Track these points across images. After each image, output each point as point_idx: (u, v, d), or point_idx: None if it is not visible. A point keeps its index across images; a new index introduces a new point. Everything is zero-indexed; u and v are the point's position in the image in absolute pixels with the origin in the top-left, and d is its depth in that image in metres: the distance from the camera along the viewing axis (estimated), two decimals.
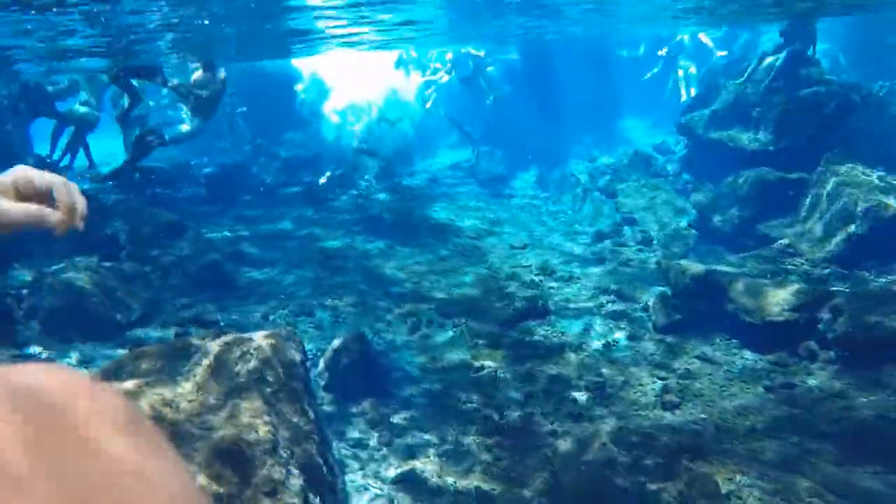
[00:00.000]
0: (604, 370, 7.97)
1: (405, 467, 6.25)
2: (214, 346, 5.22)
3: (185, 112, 10.54)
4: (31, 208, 1.10)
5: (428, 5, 11.44)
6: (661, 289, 10.07)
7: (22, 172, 1.13)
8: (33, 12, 8.53)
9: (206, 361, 4.97)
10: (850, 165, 10.97)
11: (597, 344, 8.80)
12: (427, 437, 6.78)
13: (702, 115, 14.75)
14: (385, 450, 6.56)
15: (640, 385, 7.62)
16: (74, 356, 8.05)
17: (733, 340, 8.62)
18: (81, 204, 1.16)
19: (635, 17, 15.82)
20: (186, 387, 4.68)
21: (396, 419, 7.09)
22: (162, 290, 9.90)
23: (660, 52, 21.22)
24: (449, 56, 19.66)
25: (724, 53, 19.61)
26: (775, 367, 7.83)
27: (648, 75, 21.46)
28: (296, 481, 4.30)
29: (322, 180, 15.95)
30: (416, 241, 13.16)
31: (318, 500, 4.65)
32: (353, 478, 6.10)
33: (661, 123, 20.85)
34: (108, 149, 15.36)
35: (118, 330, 8.76)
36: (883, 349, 7.34)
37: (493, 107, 20.17)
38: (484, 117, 20.34)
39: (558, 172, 17.77)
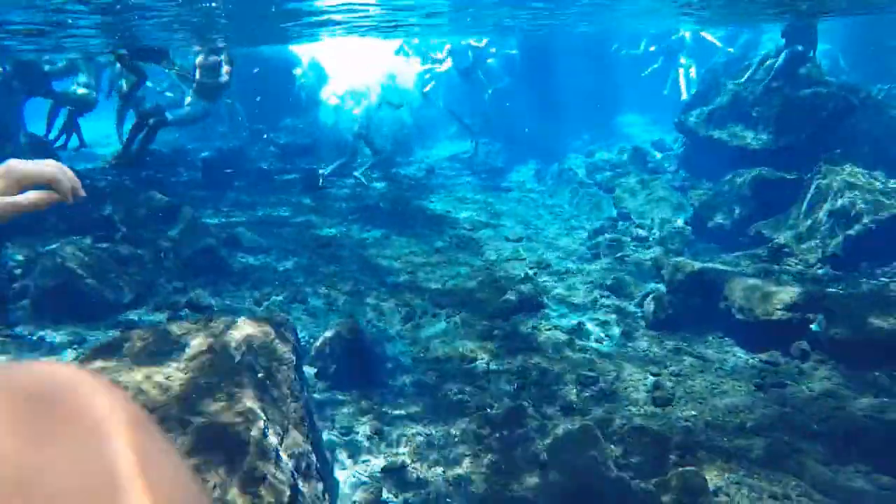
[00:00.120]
0: (596, 365, 7.98)
1: (395, 457, 6.26)
2: (206, 330, 5.20)
3: (189, 95, 10.46)
4: (37, 196, 1.21)
5: None
6: (655, 285, 10.09)
7: (15, 166, 1.20)
8: None
9: (196, 346, 4.94)
10: (847, 167, 10.97)
11: (590, 338, 8.81)
12: (418, 427, 6.78)
13: (701, 112, 14.74)
14: (375, 439, 6.56)
15: (632, 380, 7.64)
16: (65, 337, 8.01)
17: (726, 338, 8.63)
18: (78, 185, 1.29)
19: (640, 11, 15.75)
20: (176, 371, 4.66)
21: (387, 408, 7.09)
22: (156, 274, 9.85)
23: (651, 49, 21.18)
24: (448, 47, 19.57)
25: (731, 50, 19.55)
26: (767, 366, 7.85)
27: (648, 71, 21.41)
28: (285, 468, 4.29)
29: (322, 171, 15.87)
30: (412, 232, 13.14)
31: (307, 487, 4.65)
32: (343, 466, 6.10)
33: (660, 120, 20.85)
34: (105, 130, 15.26)
35: (110, 312, 8.72)
36: (874, 350, 7.36)
37: (492, 99, 20.11)
38: (483, 110, 20.29)
39: (556, 167, 17.75)
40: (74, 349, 7.75)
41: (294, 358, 5.59)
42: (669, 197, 14.00)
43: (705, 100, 15.33)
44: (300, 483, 4.45)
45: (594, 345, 8.62)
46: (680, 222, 13.04)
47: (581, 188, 15.86)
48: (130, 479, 0.46)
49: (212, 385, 4.58)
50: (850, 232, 10.09)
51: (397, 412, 7.06)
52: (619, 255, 11.82)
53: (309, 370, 7.56)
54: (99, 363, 4.73)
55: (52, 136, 13.39)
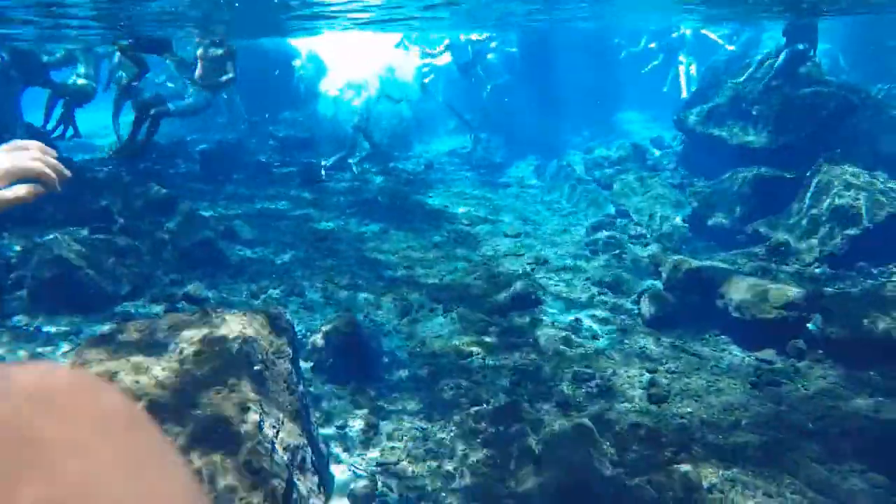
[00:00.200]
0: (592, 361, 7.99)
1: (390, 451, 6.26)
2: (202, 323, 5.19)
3: (190, 86, 10.42)
4: (22, 190, 1.22)
5: None
6: (652, 282, 10.09)
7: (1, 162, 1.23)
8: None
9: (193, 338, 4.94)
10: (846, 166, 10.98)
11: (587, 335, 8.81)
12: (413, 421, 6.79)
13: (700, 110, 14.73)
14: (371, 432, 6.56)
15: (628, 377, 7.64)
16: (62, 328, 8.00)
17: (723, 336, 8.64)
18: (61, 168, 1.29)
19: (642, 6, 15.73)
20: (172, 363, 4.65)
21: (383, 403, 7.10)
22: (153, 266, 9.83)
23: (651, 46, 21.14)
24: (447, 41, 19.52)
25: (731, 48, 19.51)
26: (763, 365, 7.86)
27: (648, 67, 21.38)
28: (280, 461, 4.29)
29: (325, 163, 15.84)
30: (409, 226, 13.13)
31: (302, 480, 4.65)
32: (339, 459, 6.10)
33: (660, 117, 20.82)
34: (104, 121, 15.20)
35: (107, 303, 8.71)
36: (870, 350, 7.38)
37: (492, 95, 20.08)
38: (482, 105, 20.26)
39: (555, 163, 17.74)
40: (71, 340, 7.74)
41: (290, 351, 5.59)
42: (668, 194, 14.00)
43: (705, 97, 15.31)
44: (296, 476, 4.45)
45: (591, 341, 8.63)
46: (678, 220, 13.03)
47: (580, 185, 15.85)
48: (128, 480, 0.46)
49: (208, 378, 4.58)
50: (849, 231, 10.11)
51: (393, 406, 7.07)
52: (616, 252, 11.82)
53: (305, 364, 7.56)
54: (95, 354, 4.72)
55: (49, 127, 13.35)
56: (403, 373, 7.80)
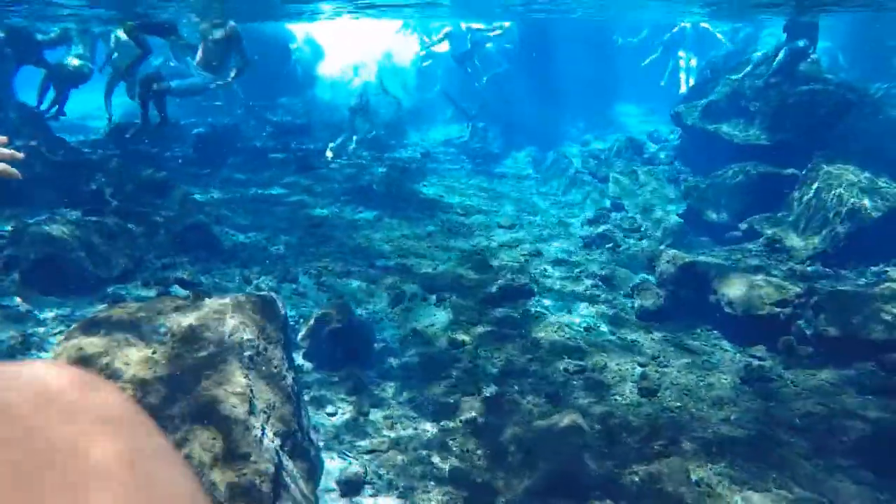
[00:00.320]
0: (584, 353, 8.00)
1: (380, 438, 6.27)
2: (194, 307, 5.17)
3: (194, 67, 10.35)
4: None
5: None
6: (646, 276, 10.10)
7: None
8: None
9: (184, 322, 4.92)
10: (841, 165, 11.00)
11: (579, 327, 8.83)
12: (403, 408, 6.80)
13: (698, 105, 14.71)
14: (361, 420, 6.57)
15: (619, 370, 7.67)
16: (53, 309, 7.97)
17: (715, 331, 8.67)
18: (12, 155, 1.33)
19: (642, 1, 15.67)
20: (162, 346, 4.63)
21: (374, 390, 7.10)
22: (145, 249, 9.78)
23: (648, 37, 21.10)
24: (447, 29, 19.39)
25: (729, 44, 19.48)
26: (754, 361, 7.89)
27: (647, 61, 21.32)
28: (270, 445, 4.29)
29: (329, 154, 15.76)
30: (404, 215, 13.11)
31: (291, 464, 4.65)
32: (329, 446, 6.10)
33: (657, 111, 20.80)
34: (99, 102, 15.08)
35: (99, 286, 8.67)
36: (860, 347, 7.42)
37: (490, 85, 19.99)
38: (480, 95, 20.18)
39: (551, 154, 17.71)
40: (61, 321, 7.70)
41: (282, 337, 5.58)
42: (663, 188, 14.00)
43: (703, 93, 15.30)
44: (284, 461, 4.46)
45: (583, 333, 8.64)
46: (673, 214, 13.04)
47: (576, 177, 15.84)
48: (126, 476, 0.47)
49: (198, 362, 4.57)
50: (842, 229, 10.14)
51: (384, 394, 7.08)
52: (611, 245, 11.83)
53: (297, 350, 7.55)
54: (85, 336, 4.70)
55: (43, 107, 13.22)
56: (395, 361, 7.80)
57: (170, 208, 10.72)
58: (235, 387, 4.38)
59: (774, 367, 7.70)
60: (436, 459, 5.99)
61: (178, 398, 4.23)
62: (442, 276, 10.12)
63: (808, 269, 10.05)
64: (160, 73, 10.42)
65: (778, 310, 8.10)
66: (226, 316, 5.11)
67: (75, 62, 12.94)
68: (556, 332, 8.53)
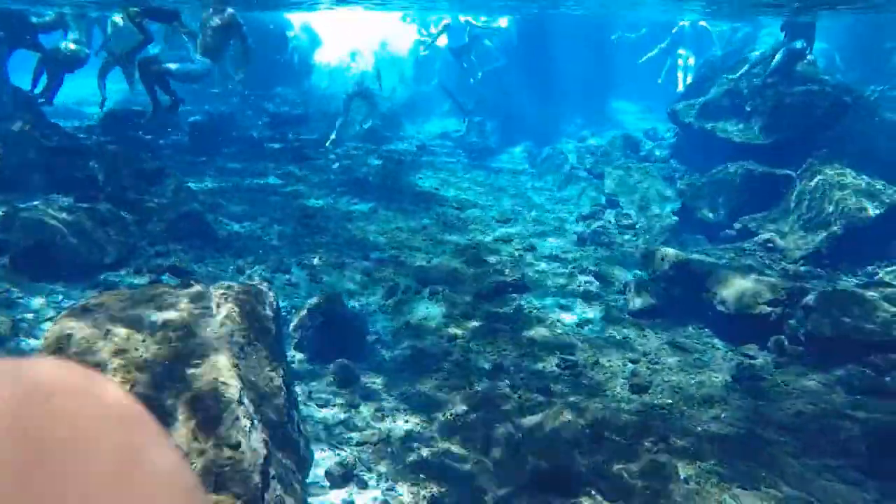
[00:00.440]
0: (576, 349, 8.01)
1: (370, 430, 6.27)
2: (185, 295, 5.14)
3: (195, 52, 10.30)
4: None
5: None
6: (639, 273, 10.11)
7: None
8: None
9: (176, 311, 4.89)
10: (835, 166, 11.02)
11: (571, 323, 8.83)
12: (395, 401, 6.80)
13: (694, 104, 14.72)
14: (352, 412, 6.56)
15: (611, 366, 7.68)
16: (44, 296, 7.92)
17: (706, 329, 8.69)
18: None
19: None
20: (153, 335, 4.61)
21: (366, 382, 7.10)
22: (138, 236, 9.73)
23: (657, 43, 21.07)
24: (445, 21, 19.32)
25: (728, 44, 19.50)
26: (744, 359, 7.92)
27: (645, 58, 21.30)
28: (259, 436, 4.27)
29: (332, 136, 15.72)
30: (399, 207, 13.08)
31: (281, 456, 4.64)
32: (319, 438, 6.10)
33: (654, 109, 20.80)
34: (94, 88, 14.97)
35: (90, 273, 8.61)
36: (851, 348, 7.45)
37: (488, 80, 19.95)
38: (476, 89, 20.13)
39: (547, 150, 17.69)
40: (52, 308, 7.66)
41: (274, 328, 5.56)
42: (659, 186, 14.00)
43: (700, 91, 15.31)
44: (274, 451, 4.44)
45: (575, 329, 8.65)
46: (667, 212, 13.05)
47: (571, 172, 15.84)
48: (126, 473, 0.47)
49: (189, 351, 4.54)
50: (836, 230, 10.17)
51: (375, 386, 7.07)
52: (605, 241, 11.84)
53: (289, 341, 7.54)
54: (75, 324, 4.66)
55: (37, 92, 13.12)
56: (387, 353, 7.79)
57: (164, 196, 10.65)
58: (225, 377, 4.36)
59: (765, 367, 7.73)
60: (426, 453, 5.99)
61: (167, 387, 4.21)
62: (436, 269, 10.10)
63: (801, 269, 10.08)
64: (157, 57, 10.36)
65: (770, 309, 8.12)
66: (217, 306, 5.08)
67: (71, 46, 12.84)
68: (548, 327, 8.53)
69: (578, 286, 9.98)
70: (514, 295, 9.42)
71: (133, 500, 0.46)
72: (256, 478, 3.90)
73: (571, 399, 6.81)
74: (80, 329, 4.57)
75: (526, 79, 20.77)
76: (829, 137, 12.29)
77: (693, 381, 7.40)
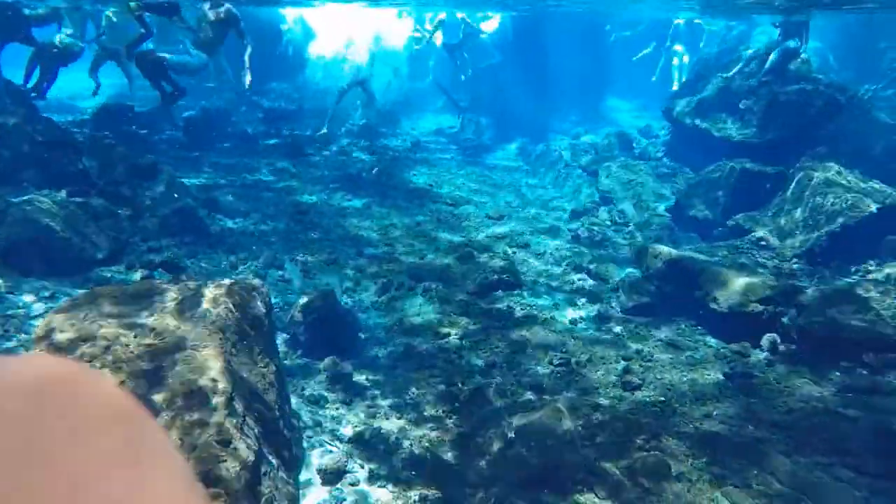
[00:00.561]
0: (568, 346, 8.02)
1: (362, 427, 6.26)
2: (178, 291, 5.13)
3: (191, 47, 10.28)
4: None
5: None
6: (632, 270, 10.13)
7: None
8: None
9: (167, 306, 4.87)
10: (828, 164, 11.06)
11: (564, 320, 8.84)
12: (387, 398, 6.79)
13: (689, 102, 14.75)
14: (344, 408, 6.55)
15: (603, 364, 7.69)
16: (35, 291, 7.87)
17: (699, 327, 8.71)
18: None
19: None
20: (145, 331, 4.59)
21: (358, 379, 7.09)
22: (131, 232, 9.69)
23: (652, 40, 21.10)
24: (441, 17, 19.27)
25: (721, 42, 19.54)
26: (737, 357, 7.94)
27: (639, 56, 21.32)
28: (251, 432, 4.27)
29: (324, 131, 15.70)
30: (393, 204, 13.06)
31: (272, 452, 4.63)
32: (310, 434, 6.09)
33: (648, 106, 20.84)
34: (88, 83, 14.89)
35: (83, 268, 8.57)
36: (842, 346, 7.48)
37: (483, 77, 19.92)
38: (470, 86, 20.12)
39: (541, 147, 17.69)
40: (44, 303, 7.62)
41: (266, 324, 5.55)
42: (652, 184, 14.02)
43: (694, 89, 15.33)
44: (265, 447, 4.43)
45: (568, 326, 8.66)
46: (661, 209, 13.07)
47: (565, 170, 15.84)
48: (122, 471, 0.47)
49: (181, 347, 4.53)
50: (827, 228, 10.20)
51: (368, 382, 7.06)
52: (598, 238, 11.85)
53: (281, 337, 7.52)
54: (67, 319, 4.64)
55: (29, 86, 13.04)
56: (380, 350, 7.79)
57: (157, 191, 10.60)
58: (216, 373, 4.35)
59: (758, 364, 7.75)
60: (418, 450, 5.99)
61: (159, 384, 4.20)
62: (429, 266, 10.10)
63: (794, 266, 10.11)
64: (151, 50, 10.33)
65: (763, 307, 8.14)
66: (209, 301, 5.07)
67: (66, 40, 12.77)
68: (541, 325, 8.54)
69: (572, 283, 9.99)
70: (508, 292, 9.42)
71: (129, 495, 0.45)
72: (247, 474, 3.89)
73: (564, 396, 6.82)
74: (70, 325, 4.54)
75: (521, 76, 20.77)
76: (822, 136, 12.33)
77: (685, 379, 7.41)
